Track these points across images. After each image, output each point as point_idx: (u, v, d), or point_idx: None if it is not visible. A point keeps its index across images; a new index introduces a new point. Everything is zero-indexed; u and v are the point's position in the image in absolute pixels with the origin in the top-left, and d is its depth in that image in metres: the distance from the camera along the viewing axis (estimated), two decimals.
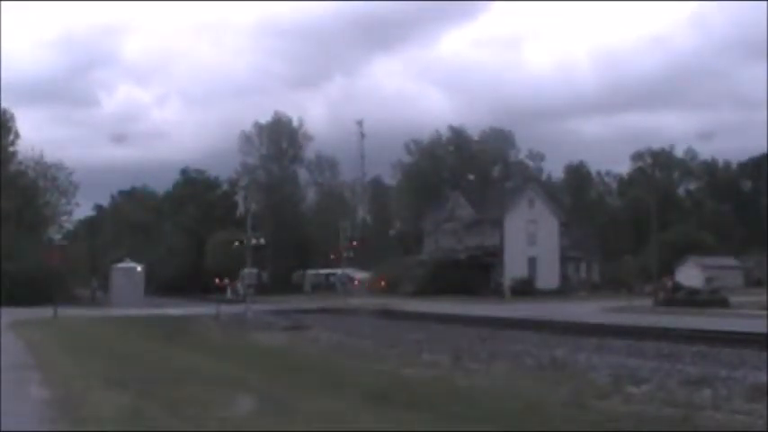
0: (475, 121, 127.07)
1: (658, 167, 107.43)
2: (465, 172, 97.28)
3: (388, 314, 39.51)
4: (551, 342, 22.39)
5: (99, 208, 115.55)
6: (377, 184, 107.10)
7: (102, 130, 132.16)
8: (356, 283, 76.65)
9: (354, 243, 75.63)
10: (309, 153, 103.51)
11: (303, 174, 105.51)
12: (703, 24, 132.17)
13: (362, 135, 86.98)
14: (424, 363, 17.60)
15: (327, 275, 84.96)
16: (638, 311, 39.08)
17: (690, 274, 65.25)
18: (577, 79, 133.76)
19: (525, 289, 66.53)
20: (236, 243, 69.92)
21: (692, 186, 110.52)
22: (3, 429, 8.65)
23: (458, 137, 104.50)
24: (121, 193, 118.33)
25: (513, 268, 70.06)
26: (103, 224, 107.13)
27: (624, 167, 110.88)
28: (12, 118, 67.91)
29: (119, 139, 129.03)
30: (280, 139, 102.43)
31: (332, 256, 76.79)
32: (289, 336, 27.68)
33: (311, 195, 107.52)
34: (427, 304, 48.69)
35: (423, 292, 65.16)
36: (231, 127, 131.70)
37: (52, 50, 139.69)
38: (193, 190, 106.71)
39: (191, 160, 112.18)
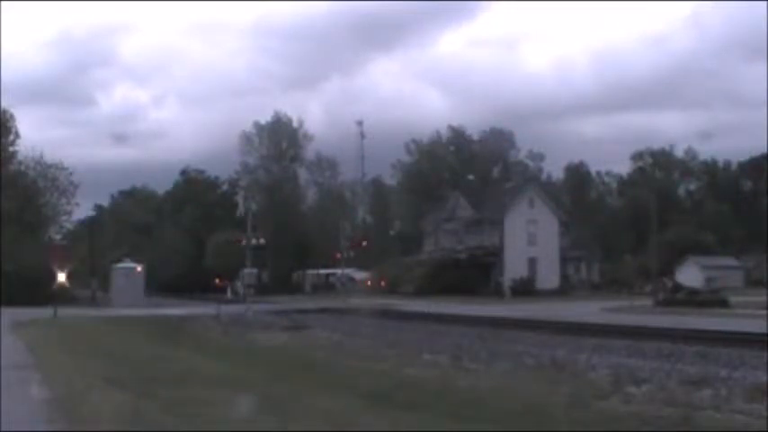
0: (475, 121, 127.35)
1: (658, 167, 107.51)
2: (465, 172, 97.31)
3: (388, 314, 39.51)
4: (551, 342, 22.40)
5: (99, 208, 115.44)
6: (377, 184, 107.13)
7: (101, 130, 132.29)
8: (356, 282, 76.67)
9: (355, 243, 75.63)
10: (309, 153, 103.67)
11: (303, 174, 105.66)
12: (703, 24, 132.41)
13: (362, 135, 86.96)
14: (424, 363, 17.59)
15: (327, 275, 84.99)
16: (638, 311, 39.06)
17: (690, 274, 65.20)
18: (577, 79, 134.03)
19: (525, 289, 66.53)
20: (236, 243, 69.92)
21: (692, 186, 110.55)
22: (3, 429, 8.65)
23: (458, 137, 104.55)
24: (121, 193, 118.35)
25: (513, 268, 70.06)
26: (103, 224, 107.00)
27: (624, 167, 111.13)
28: (12, 118, 67.76)
29: (119, 139, 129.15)
30: (280, 139, 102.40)
31: (337, 256, 76.72)
32: (289, 336, 27.67)
33: (311, 195, 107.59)
34: (427, 304, 48.68)
35: (423, 292, 65.17)
36: (231, 127, 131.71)
37: (52, 50, 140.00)
38: (193, 190, 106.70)
39: (191, 160, 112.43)
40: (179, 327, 31.20)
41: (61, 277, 41.30)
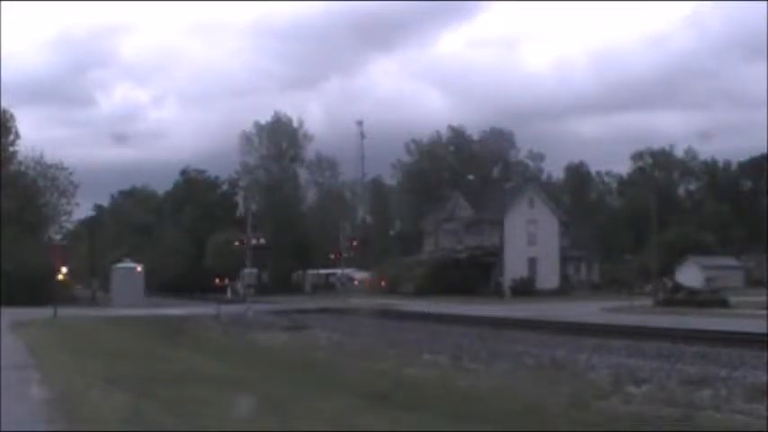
0: (475, 121, 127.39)
1: (658, 167, 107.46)
2: (465, 172, 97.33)
3: (388, 314, 39.52)
4: (551, 342, 22.40)
5: (99, 208, 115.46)
6: (377, 184, 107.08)
7: (101, 130, 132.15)
8: (356, 282, 76.66)
9: (354, 243, 75.61)
10: (309, 153, 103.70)
11: (303, 174, 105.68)
12: (703, 24, 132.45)
13: (362, 135, 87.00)
14: (424, 363, 17.60)
15: (327, 275, 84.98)
16: (637, 311, 39.06)
17: (690, 274, 65.17)
18: (577, 79, 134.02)
19: (525, 289, 66.55)
20: (236, 243, 69.88)
21: (692, 186, 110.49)
22: (3, 429, 8.65)
23: (458, 137, 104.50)
24: (121, 193, 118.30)
25: (513, 268, 70.06)
26: (103, 224, 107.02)
27: (624, 167, 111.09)
28: (12, 118, 67.74)
29: (119, 139, 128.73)
30: (280, 139, 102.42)
31: (332, 256, 76.80)
32: (289, 336, 27.68)
33: (311, 195, 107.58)
34: (427, 304, 48.69)
35: (423, 292, 65.18)
36: (231, 127, 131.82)
37: (52, 50, 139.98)
38: (193, 190, 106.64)
39: (191, 160, 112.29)
40: (179, 327, 31.19)
41: (63, 275, 41.15)
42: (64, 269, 41.19)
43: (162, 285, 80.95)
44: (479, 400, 11.08)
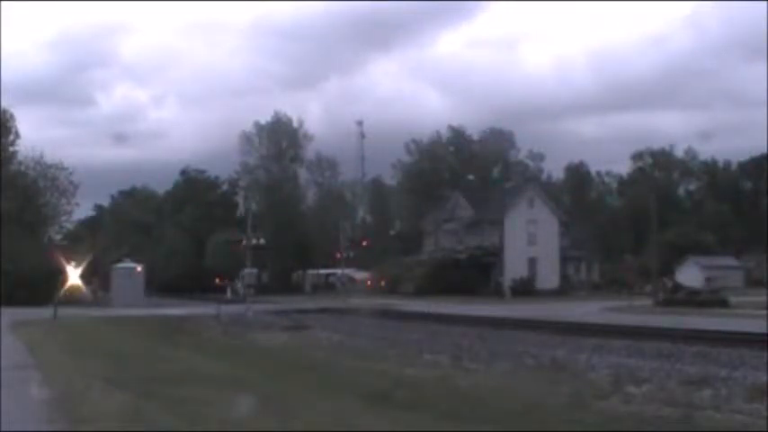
0: (475, 121, 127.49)
1: (658, 167, 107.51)
2: (465, 172, 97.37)
3: (388, 314, 39.52)
4: (551, 342, 22.40)
5: (99, 208, 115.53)
6: (377, 184, 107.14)
7: (101, 130, 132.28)
8: (356, 282, 76.67)
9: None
10: (309, 153, 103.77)
11: (303, 174, 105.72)
12: (703, 24, 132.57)
13: (362, 135, 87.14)
14: (424, 363, 17.60)
15: (327, 275, 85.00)
16: (637, 311, 39.06)
17: (690, 274, 65.21)
18: (577, 79, 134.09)
19: (525, 289, 66.56)
20: (236, 243, 69.92)
21: (692, 186, 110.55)
22: (3, 429, 8.65)
23: (458, 137, 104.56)
24: (121, 193, 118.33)
25: (513, 268, 70.06)
26: (103, 224, 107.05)
27: (624, 167, 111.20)
28: (12, 118, 67.70)
29: (119, 139, 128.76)
30: (280, 139, 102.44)
31: (338, 255, 76.77)
32: (289, 336, 27.68)
33: (311, 195, 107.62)
34: (427, 304, 48.68)
35: (423, 292, 65.19)
36: (231, 127, 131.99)
37: (52, 50, 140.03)
38: (193, 190, 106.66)
39: (191, 160, 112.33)
40: (179, 327, 31.20)
41: (74, 278, 40.62)
42: (75, 275, 40.52)
43: (162, 285, 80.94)
44: (479, 400, 11.08)
